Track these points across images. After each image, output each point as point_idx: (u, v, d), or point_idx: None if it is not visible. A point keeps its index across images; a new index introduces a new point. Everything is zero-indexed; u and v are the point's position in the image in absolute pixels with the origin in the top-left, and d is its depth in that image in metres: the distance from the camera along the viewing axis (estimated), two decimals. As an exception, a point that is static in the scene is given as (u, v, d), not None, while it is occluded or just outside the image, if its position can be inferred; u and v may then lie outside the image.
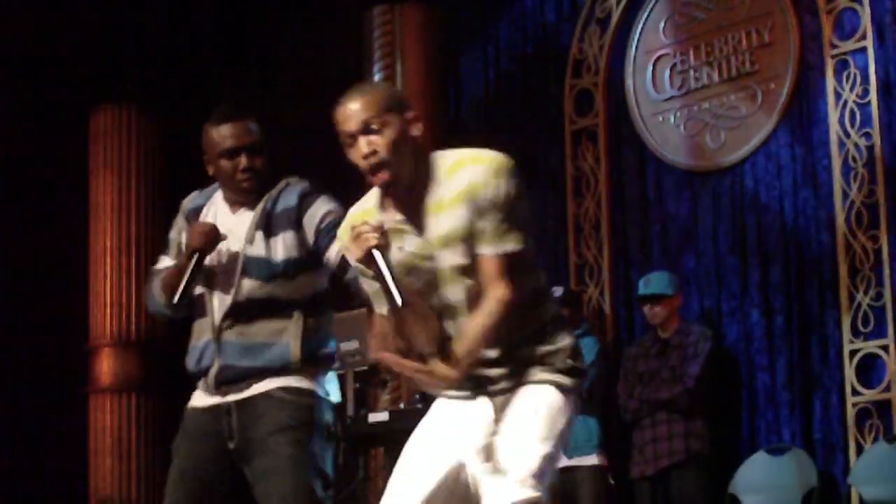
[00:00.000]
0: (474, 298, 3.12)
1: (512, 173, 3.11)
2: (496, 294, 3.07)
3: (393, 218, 3.16)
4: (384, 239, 3.08)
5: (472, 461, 3.15)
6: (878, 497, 6.24)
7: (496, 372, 3.17)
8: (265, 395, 3.75)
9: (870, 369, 6.53)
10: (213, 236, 3.79)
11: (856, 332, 6.55)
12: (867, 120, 6.65)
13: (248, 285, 3.77)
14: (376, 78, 7.88)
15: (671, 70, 7.48)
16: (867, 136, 6.64)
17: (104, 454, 8.93)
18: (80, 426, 9.21)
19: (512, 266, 3.10)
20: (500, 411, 3.17)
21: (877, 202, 6.58)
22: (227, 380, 3.78)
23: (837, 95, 6.74)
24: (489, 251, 3.10)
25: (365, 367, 6.70)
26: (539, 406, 3.13)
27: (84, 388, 9.19)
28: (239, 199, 3.85)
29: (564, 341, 3.20)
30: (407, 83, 7.84)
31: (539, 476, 3.06)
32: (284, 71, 9.10)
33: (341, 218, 3.53)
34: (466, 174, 3.10)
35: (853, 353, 6.55)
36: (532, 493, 3.03)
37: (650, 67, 7.56)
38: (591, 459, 6.69)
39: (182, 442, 3.89)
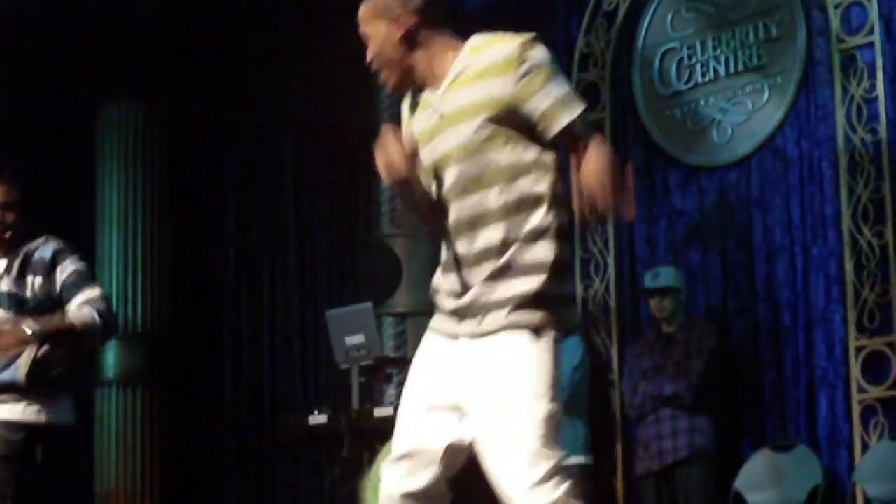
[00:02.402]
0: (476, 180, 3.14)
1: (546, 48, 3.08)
2: (597, 143, 3.08)
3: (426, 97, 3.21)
4: None
5: (477, 432, 3.01)
6: (883, 494, 6.23)
7: (472, 300, 3.06)
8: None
9: (875, 366, 6.50)
10: None
11: (861, 329, 6.53)
12: (874, 115, 6.62)
13: (2, 315, 4.67)
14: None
15: (678, 64, 7.45)
16: (874, 131, 6.61)
17: (109, 446, 8.94)
18: (86, 419, 9.22)
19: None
20: (482, 360, 3.03)
21: (883, 198, 6.55)
22: None
23: (844, 90, 6.72)
24: (567, 118, 3.16)
25: (370, 362, 6.70)
26: (520, 370, 2.98)
27: (89, 380, 9.19)
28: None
29: (550, 256, 3.12)
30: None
31: (549, 445, 2.93)
32: (291, 66, 9.08)
33: (84, 276, 4.74)
34: (497, 49, 3.08)
35: (859, 349, 6.53)
36: (553, 489, 2.90)
37: (657, 61, 7.54)
38: (578, 459, 6.62)
39: None
